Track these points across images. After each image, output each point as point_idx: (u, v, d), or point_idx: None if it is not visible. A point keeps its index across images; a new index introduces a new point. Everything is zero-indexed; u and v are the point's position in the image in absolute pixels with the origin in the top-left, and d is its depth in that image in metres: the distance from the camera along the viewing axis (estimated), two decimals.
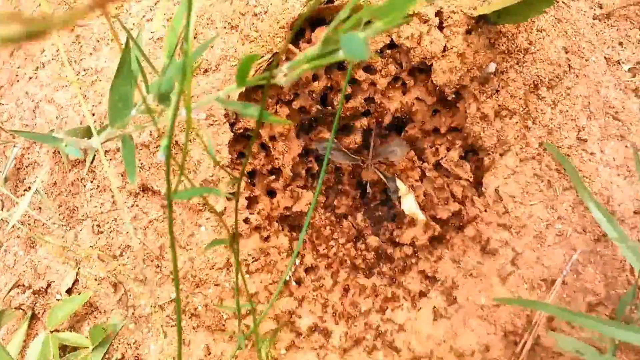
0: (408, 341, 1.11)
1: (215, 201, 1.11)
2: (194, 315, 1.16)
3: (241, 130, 1.12)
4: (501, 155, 1.11)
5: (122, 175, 1.15)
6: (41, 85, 1.27)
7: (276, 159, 1.12)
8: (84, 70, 1.21)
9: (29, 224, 1.25)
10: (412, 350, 1.10)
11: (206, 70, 1.09)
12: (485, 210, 1.12)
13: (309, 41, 1.07)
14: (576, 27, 1.16)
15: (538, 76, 1.11)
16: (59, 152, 1.22)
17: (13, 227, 1.28)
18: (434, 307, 1.13)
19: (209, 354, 1.14)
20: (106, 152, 1.17)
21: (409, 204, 1.07)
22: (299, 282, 1.14)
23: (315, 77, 1.11)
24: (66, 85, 1.23)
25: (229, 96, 1.03)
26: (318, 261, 1.14)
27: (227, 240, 0.63)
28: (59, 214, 1.20)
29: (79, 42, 1.24)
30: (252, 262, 1.12)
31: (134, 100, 0.92)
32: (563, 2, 1.17)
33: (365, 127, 1.15)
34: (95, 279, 1.20)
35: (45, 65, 1.28)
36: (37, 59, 1.30)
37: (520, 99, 1.11)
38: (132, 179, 0.91)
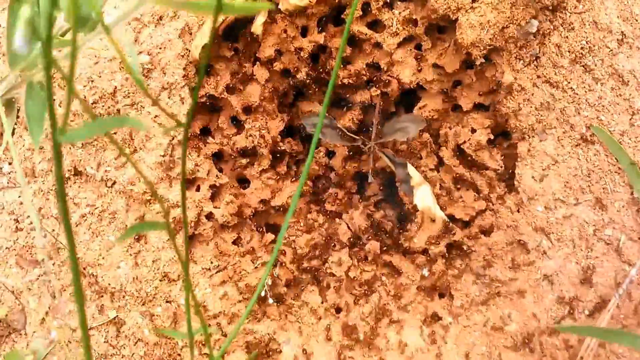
0: None
1: (167, 188, 0.85)
2: (140, 340, 0.89)
3: (205, 99, 0.86)
4: (540, 140, 0.87)
5: (46, 155, 0.87)
6: None
7: (250, 136, 0.86)
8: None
9: None
10: None
11: (161, 18, 0.83)
12: (518, 210, 0.88)
13: None
14: None
15: (587, 42, 0.88)
16: None
17: None
18: (451, 334, 0.88)
19: None
20: None
21: (423, 197, 0.82)
22: (278, 299, 0.88)
23: (305, 32, 0.86)
24: None
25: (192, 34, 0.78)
26: (303, 273, 0.88)
27: (162, 224, 0.37)
28: None
29: None
30: (216, 272, 0.86)
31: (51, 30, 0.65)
32: None
33: (366, 101, 0.90)
34: (12, 292, 0.94)
35: None
36: None
37: (564, 70, 0.87)
38: (35, 138, 0.63)
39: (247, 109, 0.87)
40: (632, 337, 0.60)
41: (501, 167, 0.89)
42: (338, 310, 0.90)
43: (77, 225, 0.89)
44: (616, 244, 0.88)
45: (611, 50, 0.90)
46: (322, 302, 0.89)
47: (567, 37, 0.88)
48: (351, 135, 0.89)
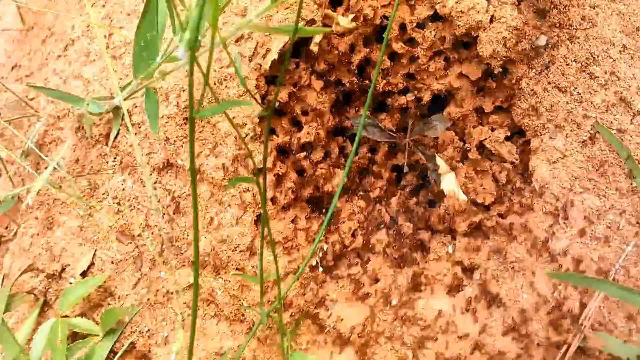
0: (438, 339, 1.01)
1: (246, 169, 1.05)
2: (211, 302, 1.08)
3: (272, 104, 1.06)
4: (551, 137, 1.03)
5: (145, 150, 1.09)
6: (69, 62, 1.23)
7: (308, 134, 1.06)
8: (113, 44, 1.18)
9: (48, 204, 1.20)
10: (442, 353, 1.00)
11: (238, 40, 1.05)
12: (531, 197, 1.04)
13: (348, 8, 1.02)
14: (630, 8, 1.09)
15: (591, 54, 1.04)
16: (82, 128, 1.17)
17: (31, 207, 1.23)
18: (469, 303, 1.04)
19: (223, 347, 1.06)
20: (133, 124, 1.12)
21: (449, 183, 1.00)
22: (326, 269, 1.06)
23: (353, 49, 1.05)
24: (94, 60, 1.19)
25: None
26: (347, 248, 1.06)
27: (253, 178, 0.56)
28: (81, 192, 1.15)
29: (109, 17, 1.21)
30: (276, 244, 1.05)
31: (160, 49, 0.87)
32: None
33: (403, 106, 1.08)
34: (112, 262, 1.14)
35: (74, 42, 1.25)
36: (66, 36, 1.27)
37: (571, 77, 1.03)
38: (154, 128, 0.85)
39: (305, 112, 1.07)
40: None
41: (517, 159, 1.05)
42: (376, 280, 1.07)
43: (167, 207, 1.10)
44: (616, 226, 1.02)
45: (614, 60, 1.05)
46: (362, 273, 1.07)
47: (573, 48, 1.04)
48: (390, 133, 1.07)
